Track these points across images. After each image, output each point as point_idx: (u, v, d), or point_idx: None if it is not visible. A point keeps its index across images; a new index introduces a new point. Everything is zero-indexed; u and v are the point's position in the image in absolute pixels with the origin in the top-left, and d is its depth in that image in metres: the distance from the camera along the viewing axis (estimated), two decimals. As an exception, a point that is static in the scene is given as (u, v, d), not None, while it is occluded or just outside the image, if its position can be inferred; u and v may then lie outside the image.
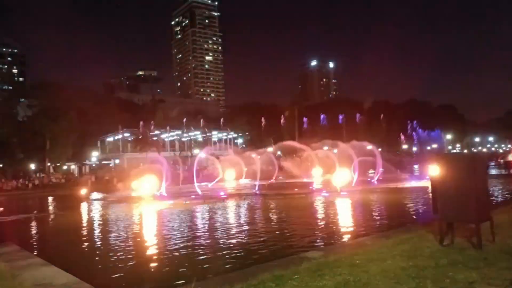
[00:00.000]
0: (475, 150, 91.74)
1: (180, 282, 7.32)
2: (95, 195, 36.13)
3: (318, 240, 11.93)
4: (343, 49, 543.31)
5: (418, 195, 22.78)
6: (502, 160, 58.76)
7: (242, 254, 10.24)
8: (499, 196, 21.56)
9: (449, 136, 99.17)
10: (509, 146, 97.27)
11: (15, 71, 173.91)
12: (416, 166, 56.17)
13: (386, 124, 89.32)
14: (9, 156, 59.24)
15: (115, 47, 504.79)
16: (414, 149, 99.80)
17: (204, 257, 10.41)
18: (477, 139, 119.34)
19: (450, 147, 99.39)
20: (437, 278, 5.73)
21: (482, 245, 7.14)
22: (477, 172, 7.41)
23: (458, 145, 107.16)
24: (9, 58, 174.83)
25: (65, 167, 64.43)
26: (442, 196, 7.64)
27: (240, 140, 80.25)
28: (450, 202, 7.48)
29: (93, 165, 64.95)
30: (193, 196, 27.85)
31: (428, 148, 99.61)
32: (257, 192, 28.75)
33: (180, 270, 9.02)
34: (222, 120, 78.86)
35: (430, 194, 11.07)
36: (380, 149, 41.96)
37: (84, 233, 17.05)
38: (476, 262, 6.35)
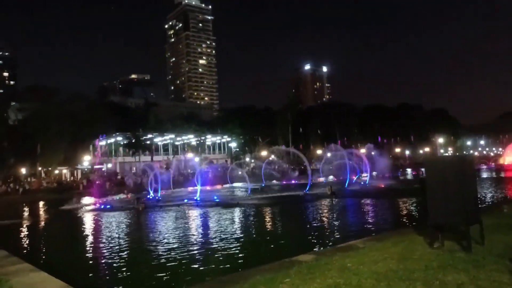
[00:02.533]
0: (465, 153, 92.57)
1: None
2: (86, 200, 35.87)
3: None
4: (337, 54, 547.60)
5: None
6: (493, 164, 59.45)
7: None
8: (489, 198, 21.78)
9: (441, 140, 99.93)
10: (500, 149, 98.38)
11: (5, 74, 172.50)
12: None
13: (378, 128, 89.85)
14: (0, 160, 58.53)
15: (108, 50, 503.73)
16: (407, 152, 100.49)
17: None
18: (469, 143, 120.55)
19: (442, 151, 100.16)
20: (427, 280, 5.77)
21: (472, 247, 7.20)
22: (465, 174, 7.48)
23: (450, 149, 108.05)
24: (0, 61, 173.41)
25: (56, 172, 63.79)
26: (431, 199, 7.70)
27: (233, 144, 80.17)
28: (439, 205, 7.54)
29: (85, 169, 64.41)
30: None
31: (421, 151, 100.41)
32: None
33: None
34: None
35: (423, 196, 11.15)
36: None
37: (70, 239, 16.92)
38: (465, 265, 6.40)
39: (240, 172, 46.53)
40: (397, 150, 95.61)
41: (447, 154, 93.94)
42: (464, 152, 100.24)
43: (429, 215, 7.82)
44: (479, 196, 10.73)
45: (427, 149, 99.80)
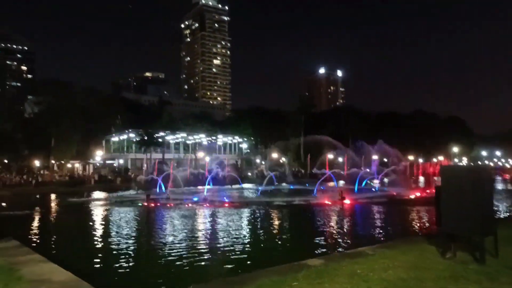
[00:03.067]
0: (482, 164, 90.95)
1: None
2: (97, 194, 36.29)
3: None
4: (352, 58, 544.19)
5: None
6: (508, 175, 58.28)
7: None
8: (504, 210, 21.35)
9: (455, 149, 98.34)
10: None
11: (24, 68, 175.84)
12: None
13: (391, 135, 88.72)
14: (14, 151, 59.63)
15: (124, 47, 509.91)
16: (420, 160, 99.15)
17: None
18: (484, 153, 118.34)
19: (456, 160, 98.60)
20: (438, 291, 5.67)
21: (485, 259, 7.05)
22: (482, 185, 7.32)
23: (464, 158, 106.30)
24: (18, 55, 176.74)
25: (69, 165, 64.66)
26: (445, 209, 7.56)
27: (244, 145, 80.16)
28: (453, 214, 7.39)
29: (97, 164, 65.12)
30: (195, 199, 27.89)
31: (434, 160, 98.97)
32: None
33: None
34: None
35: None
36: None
37: (79, 232, 17.11)
38: (478, 276, 6.26)
39: (249, 174, 46.60)
40: (410, 157, 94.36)
41: (461, 163, 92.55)
42: (479, 163, 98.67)
43: (442, 224, 7.68)
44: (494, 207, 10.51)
45: (441, 158, 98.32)
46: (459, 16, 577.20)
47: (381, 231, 15.58)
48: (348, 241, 13.61)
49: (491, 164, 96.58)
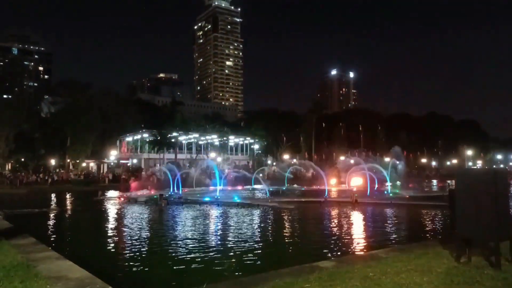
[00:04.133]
0: (499, 167, 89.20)
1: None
2: (111, 193, 36.74)
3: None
4: (365, 59, 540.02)
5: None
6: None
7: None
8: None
9: (470, 152, 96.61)
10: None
11: (41, 68, 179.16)
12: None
13: (404, 137, 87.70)
14: (31, 150, 60.82)
15: (139, 49, 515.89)
16: (434, 163, 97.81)
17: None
18: (499, 157, 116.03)
19: (470, 163, 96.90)
20: (452, 295, 5.58)
21: (501, 264, 6.91)
22: (498, 188, 7.19)
23: (479, 162, 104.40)
24: (36, 56, 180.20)
25: (84, 164, 65.65)
26: (460, 212, 7.44)
27: (256, 146, 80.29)
28: (468, 218, 7.28)
29: (111, 163, 65.96)
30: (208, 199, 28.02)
31: (448, 163, 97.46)
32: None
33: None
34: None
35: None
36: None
37: (95, 230, 17.35)
38: (493, 282, 6.15)
39: (261, 175, 46.61)
40: (424, 160, 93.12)
41: (475, 167, 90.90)
42: (494, 166, 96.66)
43: (456, 228, 7.56)
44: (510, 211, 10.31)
45: (455, 161, 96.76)
46: (479, 15, 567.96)
47: (394, 234, 15.40)
48: (360, 243, 13.49)
49: (507, 168, 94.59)
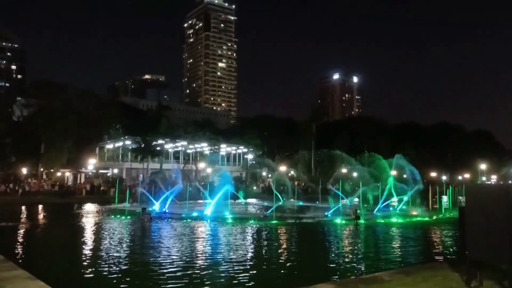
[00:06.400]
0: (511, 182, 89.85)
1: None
2: (88, 207, 36.48)
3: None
4: (369, 64, 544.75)
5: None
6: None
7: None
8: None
9: (483, 166, 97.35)
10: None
11: (13, 67, 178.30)
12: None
13: (411, 148, 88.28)
14: (1, 158, 60.22)
15: (122, 47, 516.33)
16: (444, 178, 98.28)
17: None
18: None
19: (484, 178, 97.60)
20: (461, 323, 5.62)
21: (515, 289, 6.98)
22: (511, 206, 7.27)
23: (493, 176, 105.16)
24: (8, 53, 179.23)
25: (59, 174, 65.12)
26: (471, 232, 7.51)
27: (250, 156, 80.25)
28: (480, 239, 7.35)
29: (89, 173, 65.51)
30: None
31: (460, 178, 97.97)
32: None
33: None
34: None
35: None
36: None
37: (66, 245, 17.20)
38: (506, 308, 6.20)
39: (255, 187, 46.56)
40: (433, 174, 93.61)
41: (489, 182, 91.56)
42: (510, 182, 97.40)
43: (467, 249, 7.63)
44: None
45: (467, 175, 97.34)
46: (493, 21, 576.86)
47: (398, 254, 15.45)
48: (362, 264, 13.52)
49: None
